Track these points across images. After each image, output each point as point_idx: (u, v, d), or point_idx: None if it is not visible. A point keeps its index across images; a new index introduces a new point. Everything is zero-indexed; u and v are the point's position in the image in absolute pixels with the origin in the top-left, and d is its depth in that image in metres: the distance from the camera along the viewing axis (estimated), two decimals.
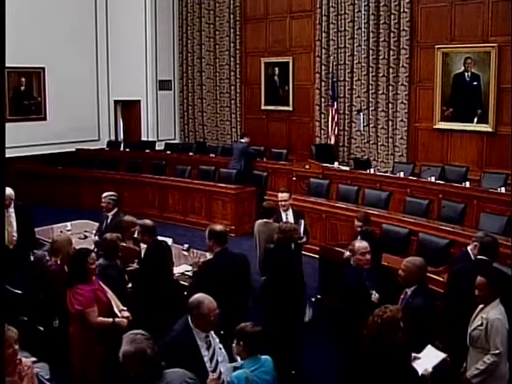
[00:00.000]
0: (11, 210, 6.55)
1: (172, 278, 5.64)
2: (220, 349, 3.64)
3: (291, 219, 6.47)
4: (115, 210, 6.68)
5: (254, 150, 11.58)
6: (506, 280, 4.27)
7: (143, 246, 5.75)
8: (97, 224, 6.98)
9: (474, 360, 4.06)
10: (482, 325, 3.98)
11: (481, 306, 4.13)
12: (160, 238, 5.90)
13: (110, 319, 4.45)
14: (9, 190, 6.49)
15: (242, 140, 11.61)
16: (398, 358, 3.38)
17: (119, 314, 4.54)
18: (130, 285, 5.37)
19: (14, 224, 6.53)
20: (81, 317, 4.38)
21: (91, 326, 4.38)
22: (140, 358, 2.81)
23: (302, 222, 6.49)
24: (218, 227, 4.98)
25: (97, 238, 6.50)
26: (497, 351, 3.90)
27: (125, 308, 4.65)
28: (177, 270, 5.96)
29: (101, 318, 4.41)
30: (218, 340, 3.65)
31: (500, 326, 3.92)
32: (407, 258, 4.53)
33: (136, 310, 4.83)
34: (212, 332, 3.63)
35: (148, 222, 5.70)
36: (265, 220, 6.32)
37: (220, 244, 4.85)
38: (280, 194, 6.78)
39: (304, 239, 6.34)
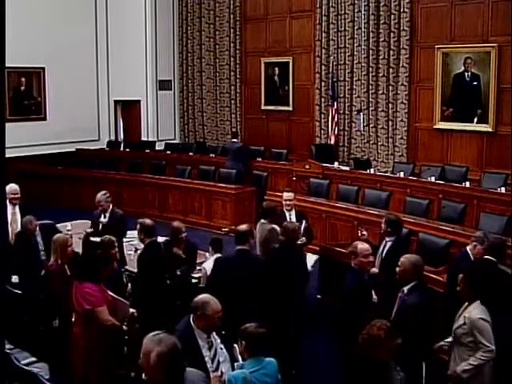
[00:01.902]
0: (17, 207, 6.57)
1: (164, 281, 5.52)
2: (221, 349, 3.63)
3: (294, 219, 6.48)
4: (110, 206, 6.70)
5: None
6: (484, 282, 4.23)
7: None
8: None
9: (458, 357, 4.12)
10: (464, 324, 4.06)
11: (466, 304, 4.17)
12: (160, 238, 5.91)
13: (119, 324, 4.48)
14: (16, 186, 6.53)
15: (235, 140, 11.67)
16: (385, 372, 3.34)
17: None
18: (129, 287, 5.38)
19: (19, 222, 6.52)
20: (90, 316, 4.38)
21: (103, 324, 4.37)
22: (175, 354, 2.76)
23: (304, 222, 6.49)
24: (243, 226, 5.21)
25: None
26: (489, 348, 3.98)
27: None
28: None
29: (112, 318, 4.42)
30: (219, 340, 3.65)
31: (484, 326, 4.00)
32: (404, 255, 4.55)
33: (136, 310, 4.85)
34: (214, 332, 3.63)
35: (147, 221, 5.68)
36: (262, 220, 6.33)
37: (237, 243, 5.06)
38: (285, 194, 6.78)
39: (304, 240, 6.34)
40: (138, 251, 6.61)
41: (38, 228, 6.19)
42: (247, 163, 11.23)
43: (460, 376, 4.05)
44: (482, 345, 3.99)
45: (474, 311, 4.06)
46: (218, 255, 5.63)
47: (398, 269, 4.40)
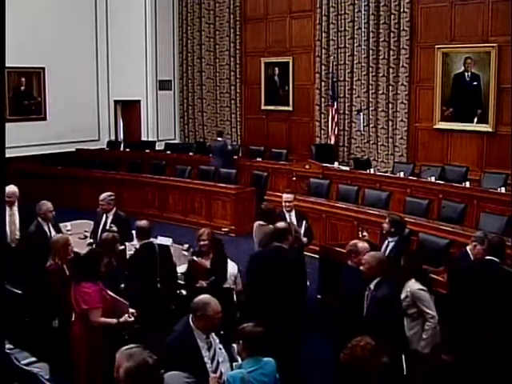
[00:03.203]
0: (15, 208, 6.55)
1: (155, 284, 5.42)
2: (220, 349, 3.63)
3: (294, 220, 6.47)
4: (114, 209, 6.70)
5: (232, 146, 11.83)
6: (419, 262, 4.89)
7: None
8: None
9: (409, 328, 4.56)
10: (407, 297, 4.58)
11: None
12: (160, 237, 5.90)
13: (114, 320, 4.47)
14: (13, 188, 6.51)
15: (219, 139, 11.73)
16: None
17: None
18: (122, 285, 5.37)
19: (17, 222, 6.50)
20: (87, 316, 4.39)
21: (93, 325, 4.39)
22: (144, 370, 2.69)
23: (304, 223, 6.48)
24: (282, 224, 5.31)
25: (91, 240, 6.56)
26: (432, 314, 4.50)
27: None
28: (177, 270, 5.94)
29: (103, 319, 4.43)
30: (218, 341, 3.65)
31: (424, 295, 4.56)
32: (367, 253, 4.62)
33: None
34: (212, 333, 3.63)
35: (142, 223, 5.62)
36: (260, 222, 6.32)
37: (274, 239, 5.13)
38: (285, 195, 6.76)
39: (305, 240, 6.33)
40: None
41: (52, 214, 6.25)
42: (229, 160, 11.33)
43: (425, 353, 4.52)
44: (426, 313, 4.51)
45: (414, 284, 4.60)
46: None
47: (362, 267, 4.46)
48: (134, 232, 6.65)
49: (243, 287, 5.39)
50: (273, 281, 4.89)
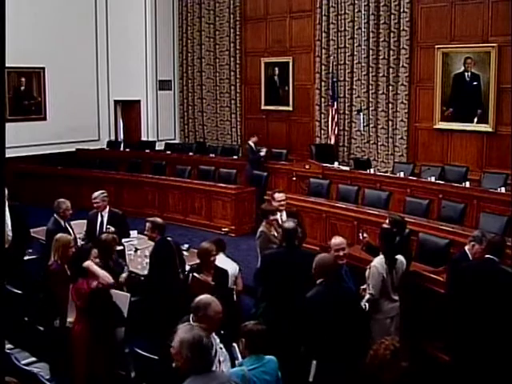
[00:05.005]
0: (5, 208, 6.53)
1: (178, 276, 5.49)
2: (221, 349, 3.64)
3: (284, 219, 6.44)
4: (107, 207, 6.74)
5: (261, 154, 11.17)
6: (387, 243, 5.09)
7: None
8: None
9: None
10: (369, 268, 4.91)
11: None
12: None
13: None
14: None
15: (250, 142, 11.40)
16: None
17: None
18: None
19: (9, 223, 6.43)
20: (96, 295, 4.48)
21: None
22: (197, 343, 2.84)
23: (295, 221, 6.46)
24: (288, 224, 5.36)
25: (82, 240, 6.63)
26: (370, 291, 4.81)
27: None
28: None
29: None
30: (218, 340, 3.66)
31: (372, 271, 4.84)
32: (317, 255, 4.65)
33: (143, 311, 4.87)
34: (213, 333, 3.63)
35: (159, 219, 5.83)
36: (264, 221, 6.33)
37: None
38: (277, 195, 6.69)
39: None
40: (139, 251, 6.63)
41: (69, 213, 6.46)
42: (255, 164, 11.02)
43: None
44: (368, 287, 4.82)
45: (375, 260, 4.94)
46: (222, 254, 5.62)
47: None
48: (133, 231, 6.71)
49: (244, 287, 5.40)
50: (289, 281, 4.93)
